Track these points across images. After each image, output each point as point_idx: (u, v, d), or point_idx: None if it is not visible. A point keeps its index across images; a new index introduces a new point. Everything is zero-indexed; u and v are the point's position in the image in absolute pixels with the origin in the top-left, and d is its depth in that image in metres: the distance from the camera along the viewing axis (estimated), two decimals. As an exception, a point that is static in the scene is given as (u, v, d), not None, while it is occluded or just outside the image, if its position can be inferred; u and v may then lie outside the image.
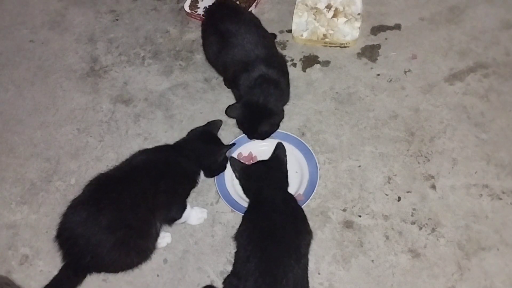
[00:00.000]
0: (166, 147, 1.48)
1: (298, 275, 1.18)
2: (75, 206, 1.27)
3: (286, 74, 1.61)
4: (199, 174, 1.46)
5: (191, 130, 1.55)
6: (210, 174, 1.49)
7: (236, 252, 1.29)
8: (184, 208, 1.40)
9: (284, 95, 1.58)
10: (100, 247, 1.22)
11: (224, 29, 1.57)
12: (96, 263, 1.25)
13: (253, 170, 1.41)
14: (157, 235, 1.34)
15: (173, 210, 1.38)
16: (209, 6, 1.85)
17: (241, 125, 1.54)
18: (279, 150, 1.44)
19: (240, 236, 1.28)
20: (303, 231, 1.28)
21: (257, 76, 1.50)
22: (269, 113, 1.50)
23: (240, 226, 1.33)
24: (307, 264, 1.25)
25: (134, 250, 1.29)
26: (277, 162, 1.42)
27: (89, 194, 1.28)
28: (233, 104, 1.53)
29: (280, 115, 1.55)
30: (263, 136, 1.55)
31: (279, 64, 1.60)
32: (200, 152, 1.44)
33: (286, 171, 1.42)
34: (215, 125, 1.57)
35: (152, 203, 1.29)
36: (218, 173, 1.51)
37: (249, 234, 1.25)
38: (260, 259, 1.17)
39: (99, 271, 1.32)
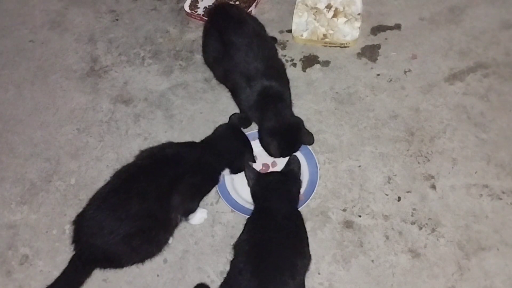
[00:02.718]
0: (196, 144, 1.48)
1: None
2: (105, 192, 1.29)
3: (287, 83, 1.61)
4: (221, 173, 1.46)
5: (219, 127, 1.53)
6: (236, 171, 1.50)
7: (231, 261, 1.28)
8: (199, 203, 1.42)
9: (290, 104, 1.57)
10: (123, 234, 1.23)
11: (227, 39, 1.55)
12: (114, 250, 1.25)
13: (267, 180, 1.39)
14: (176, 225, 1.37)
15: (192, 203, 1.40)
16: (212, 9, 1.81)
17: (282, 155, 1.50)
18: (294, 164, 1.41)
19: (238, 246, 1.27)
20: (302, 252, 1.26)
21: (260, 94, 1.49)
22: (297, 127, 1.50)
23: (240, 235, 1.31)
24: (304, 281, 1.24)
25: (155, 240, 1.31)
26: (293, 177, 1.39)
27: (120, 182, 1.30)
28: (268, 143, 1.49)
29: (301, 121, 1.54)
30: (298, 148, 1.53)
31: (280, 75, 1.58)
32: (232, 153, 1.46)
33: (300, 187, 1.40)
34: (240, 118, 1.56)
35: (174, 195, 1.31)
36: (241, 170, 1.50)
37: (246, 245, 1.24)
38: (252, 273, 1.15)
39: (111, 261, 1.32)
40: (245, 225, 1.34)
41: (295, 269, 1.19)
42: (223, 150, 1.45)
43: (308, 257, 1.28)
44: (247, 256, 1.20)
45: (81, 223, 1.28)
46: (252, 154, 1.52)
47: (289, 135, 1.48)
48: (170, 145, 1.46)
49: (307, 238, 1.30)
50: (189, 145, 1.47)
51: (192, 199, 1.40)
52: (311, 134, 1.51)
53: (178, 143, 1.49)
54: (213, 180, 1.45)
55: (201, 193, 1.43)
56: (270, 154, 1.52)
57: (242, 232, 1.32)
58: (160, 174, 1.31)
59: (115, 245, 1.24)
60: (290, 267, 1.18)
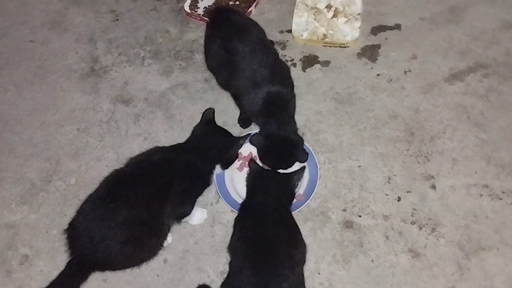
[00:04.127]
0: (182, 147, 1.47)
1: (293, 284, 1.17)
2: (93, 201, 1.28)
3: (292, 87, 1.59)
4: (212, 173, 1.46)
5: (195, 127, 1.53)
6: (226, 166, 1.50)
7: (229, 262, 1.28)
8: (194, 206, 1.42)
9: (294, 109, 1.56)
10: (115, 242, 1.23)
11: (230, 47, 1.54)
12: (106, 258, 1.25)
13: (263, 175, 1.41)
14: (168, 231, 1.36)
15: (185, 208, 1.40)
16: (212, 13, 1.77)
17: (268, 160, 1.49)
18: (298, 172, 1.41)
19: (233, 247, 1.28)
20: (296, 240, 1.27)
21: (265, 99, 1.48)
22: (294, 144, 1.48)
23: (232, 236, 1.32)
24: (302, 271, 1.25)
25: (147, 246, 1.31)
26: (288, 179, 1.39)
27: (107, 190, 1.30)
28: (258, 142, 1.49)
29: (300, 140, 1.53)
30: (292, 164, 1.51)
31: (285, 79, 1.57)
32: (218, 147, 1.45)
33: (292, 193, 1.39)
34: (210, 114, 1.55)
35: (166, 201, 1.31)
36: (232, 163, 1.51)
37: (241, 244, 1.24)
38: (252, 270, 1.16)
39: (106, 267, 1.33)
40: (234, 225, 1.34)
41: (293, 260, 1.20)
42: (207, 148, 1.44)
43: (303, 246, 1.29)
44: (245, 254, 1.21)
45: (71, 233, 1.28)
46: (236, 143, 1.50)
47: (282, 148, 1.46)
48: (156, 150, 1.44)
49: (297, 227, 1.31)
50: (175, 149, 1.45)
51: (184, 204, 1.39)
52: (306, 154, 1.48)
53: (164, 148, 1.47)
54: (203, 182, 1.44)
55: (193, 197, 1.42)
56: (260, 159, 1.51)
57: (233, 233, 1.32)
58: (148, 181, 1.31)
59: (107, 254, 1.23)
60: (288, 259, 1.19)
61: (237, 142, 1.50)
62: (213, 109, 1.57)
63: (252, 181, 1.40)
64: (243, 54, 1.52)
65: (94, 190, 1.33)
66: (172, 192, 1.32)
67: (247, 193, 1.41)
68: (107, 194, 1.28)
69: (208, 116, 1.54)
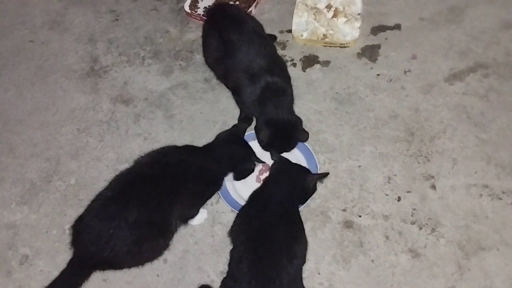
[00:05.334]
0: (197, 149, 1.48)
1: (292, 275, 1.18)
2: (104, 200, 1.28)
3: (289, 79, 1.61)
4: (224, 179, 1.46)
5: (220, 134, 1.54)
6: (240, 177, 1.51)
7: (231, 250, 1.29)
8: (200, 208, 1.43)
9: (291, 100, 1.58)
10: (123, 242, 1.23)
11: (226, 38, 1.55)
12: (113, 258, 1.24)
13: (284, 166, 1.42)
14: (175, 231, 1.36)
15: (193, 211, 1.41)
16: (210, 9, 1.80)
17: (271, 145, 1.51)
18: (318, 176, 1.40)
19: (234, 234, 1.29)
20: (298, 236, 1.28)
21: (263, 89, 1.49)
22: (294, 124, 1.50)
23: (234, 221, 1.33)
24: (301, 265, 1.26)
25: (154, 247, 1.31)
26: (306, 177, 1.38)
27: (118, 189, 1.29)
28: (260, 130, 1.50)
29: (299, 119, 1.55)
30: (294, 145, 1.53)
31: (282, 71, 1.59)
32: (235, 157, 1.46)
33: (308, 191, 1.39)
34: (242, 128, 1.58)
35: (175, 203, 1.31)
36: (247, 175, 1.51)
37: (241, 234, 1.25)
38: (252, 260, 1.17)
39: (110, 267, 1.33)
40: (239, 210, 1.35)
41: (291, 253, 1.20)
42: (225, 156, 1.44)
43: (304, 243, 1.29)
44: (245, 244, 1.22)
45: (78, 229, 1.28)
46: (254, 160, 1.51)
47: (284, 129, 1.48)
48: (170, 150, 1.44)
49: (301, 224, 1.32)
50: (191, 151, 1.45)
51: (194, 207, 1.40)
52: (306, 133, 1.50)
53: (179, 148, 1.46)
54: (215, 186, 1.44)
55: (203, 200, 1.43)
56: (261, 144, 1.52)
57: (236, 217, 1.33)
58: (161, 182, 1.30)
59: (113, 253, 1.23)
60: (287, 251, 1.20)
61: (255, 156, 1.50)
62: (247, 126, 1.59)
63: (272, 171, 1.42)
64: (240, 44, 1.53)
65: (104, 189, 1.32)
66: (182, 194, 1.32)
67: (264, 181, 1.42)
68: (119, 194, 1.27)
69: (237, 128, 1.56)
